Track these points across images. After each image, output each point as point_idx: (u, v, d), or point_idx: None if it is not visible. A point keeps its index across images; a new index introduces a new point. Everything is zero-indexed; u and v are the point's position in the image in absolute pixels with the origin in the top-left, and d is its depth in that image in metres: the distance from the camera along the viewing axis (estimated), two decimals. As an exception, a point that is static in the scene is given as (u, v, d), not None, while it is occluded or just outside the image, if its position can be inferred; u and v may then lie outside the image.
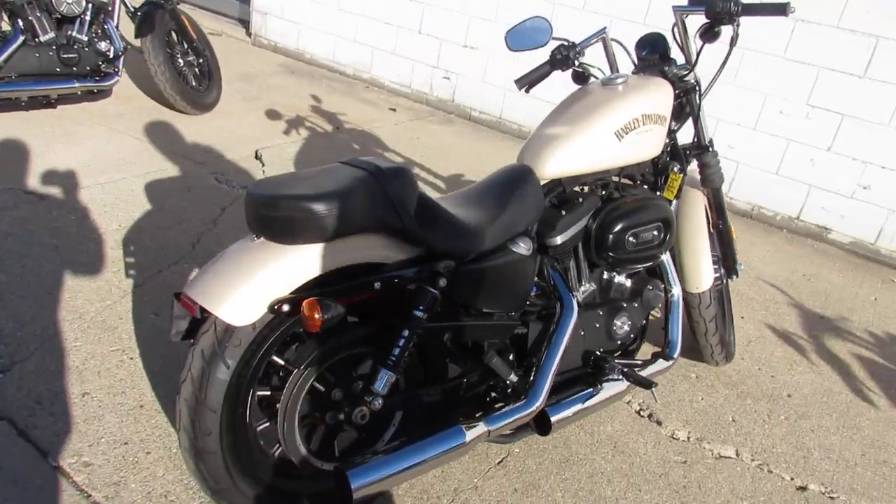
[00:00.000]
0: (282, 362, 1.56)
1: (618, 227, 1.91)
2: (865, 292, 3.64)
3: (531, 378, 1.81)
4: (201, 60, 4.46)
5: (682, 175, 2.17)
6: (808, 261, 3.93)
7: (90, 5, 3.88)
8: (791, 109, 4.13)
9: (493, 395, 1.85)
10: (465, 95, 5.47)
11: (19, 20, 3.67)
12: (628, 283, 2.14)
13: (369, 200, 1.46)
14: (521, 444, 2.09)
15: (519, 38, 2.15)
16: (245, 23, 6.69)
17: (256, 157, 3.94)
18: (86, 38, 3.89)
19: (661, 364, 2.12)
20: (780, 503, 2.05)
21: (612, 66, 2.25)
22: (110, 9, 4.02)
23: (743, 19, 1.97)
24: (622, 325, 2.07)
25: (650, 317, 2.23)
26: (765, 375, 2.69)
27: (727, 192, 4.40)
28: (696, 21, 2.04)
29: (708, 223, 2.37)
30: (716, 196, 2.40)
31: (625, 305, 2.09)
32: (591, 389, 1.96)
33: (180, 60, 4.33)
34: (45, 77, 3.78)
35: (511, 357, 1.86)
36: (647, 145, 2.01)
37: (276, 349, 1.54)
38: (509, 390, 1.84)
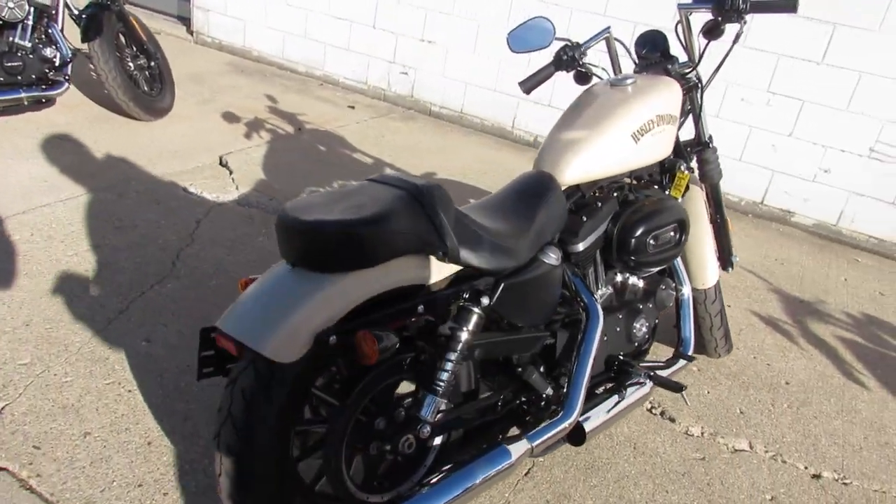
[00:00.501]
0: (325, 396, 1.48)
1: (640, 231, 1.89)
2: (835, 273, 3.77)
3: (564, 389, 1.78)
4: (152, 63, 4.24)
5: (688, 173, 2.17)
6: (776, 245, 4.03)
7: (32, 9, 3.62)
8: (753, 97, 4.23)
9: (527, 409, 1.81)
10: (425, 90, 5.38)
11: (-45, 27, 3.40)
12: (641, 284, 2.13)
13: (411, 222, 1.39)
14: (544, 452, 2.07)
15: (521, 40, 2.10)
16: (185, 20, 6.42)
17: (221, 163, 3.78)
18: (29, 45, 3.63)
19: (680, 363, 2.12)
20: (799, 493, 2.09)
21: (615, 65, 2.22)
22: (54, 12, 3.76)
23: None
24: (640, 328, 2.06)
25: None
26: (761, 364, 2.74)
27: (693, 180, 4.48)
28: (696, 18, 2.04)
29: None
30: (714, 191, 2.42)
31: (641, 307, 2.08)
32: (616, 396, 1.94)
33: (130, 64, 4.10)
34: (-12, 87, 3.52)
35: (542, 369, 1.82)
36: (660, 146, 2.00)
37: (315, 382, 1.45)
38: (542, 403, 1.80)
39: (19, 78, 3.60)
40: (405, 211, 1.39)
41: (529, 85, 2.13)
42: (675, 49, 2.20)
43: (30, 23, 3.63)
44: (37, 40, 3.70)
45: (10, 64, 3.53)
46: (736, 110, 4.30)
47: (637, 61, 2.22)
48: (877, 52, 3.85)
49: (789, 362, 2.80)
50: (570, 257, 1.89)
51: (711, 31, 2.00)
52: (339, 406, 1.43)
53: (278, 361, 1.31)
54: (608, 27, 2.15)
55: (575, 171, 1.83)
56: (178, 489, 1.75)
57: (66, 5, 3.85)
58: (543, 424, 1.69)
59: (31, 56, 3.64)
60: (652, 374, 1.94)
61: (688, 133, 2.30)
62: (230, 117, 4.52)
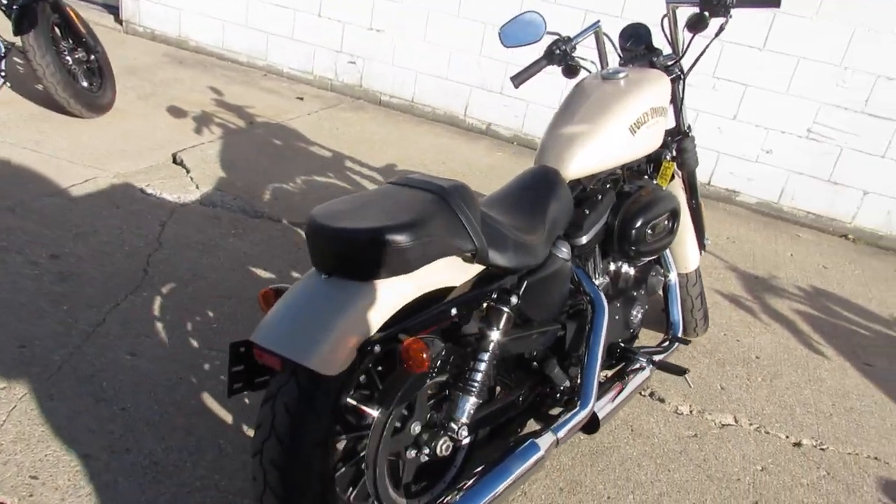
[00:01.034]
0: (357, 405, 1.46)
1: (640, 222, 1.94)
2: (782, 249, 3.97)
3: (579, 380, 1.81)
4: (92, 57, 4.02)
5: (673, 163, 2.24)
6: (726, 224, 4.21)
7: (-42, 0, 3.36)
8: (699, 82, 4.38)
9: (545, 402, 1.84)
10: (374, 80, 5.32)
11: None
12: (632, 271, 2.19)
13: (445, 224, 1.38)
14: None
15: (513, 34, 2.11)
16: (113, 9, 6.09)
17: (176, 161, 3.63)
18: (-43, 39, 3.37)
19: (675, 346, 2.19)
20: (785, 462, 2.21)
21: (603, 59, 2.26)
22: (-18, 3, 3.50)
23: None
24: (637, 314, 2.13)
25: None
26: (732, 341, 2.87)
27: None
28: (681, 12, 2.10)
29: None
30: (691, 177, 2.50)
31: (635, 294, 2.14)
32: (618, 382, 2.00)
33: (68, 58, 3.87)
34: (-87, 86, 3.26)
35: (555, 362, 1.85)
36: (654, 137, 2.05)
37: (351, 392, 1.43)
38: (558, 395, 1.84)
39: (-52, 76, 3.34)
40: (438, 214, 1.38)
41: (522, 79, 2.14)
42: (659, 41, 2.26)
43: (-44, 16, 3.37)
44: (-35, 35, 3.44)
45: (-62, 61, 3.27)
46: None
47: (622, 54, 2.26)
48: (813, 37, 4.05)
49: (756, 337, 2.94)
50: (574, 250, 1.92)
51: (696, 25, 2.06)
52: (380, 414, 1.42)
53: (324, 374, 1.28)
54: (598, 21, 2.18)
55: (578, 165, 1.86)
56: (194, 508, 1.70)
57: (-5, -4, 3.59)
58: (566, 416, 1.72)
59: (-41, 52, 3.38)
60: (654, 359, 2.00)
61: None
62: (176, 112, 4.34)
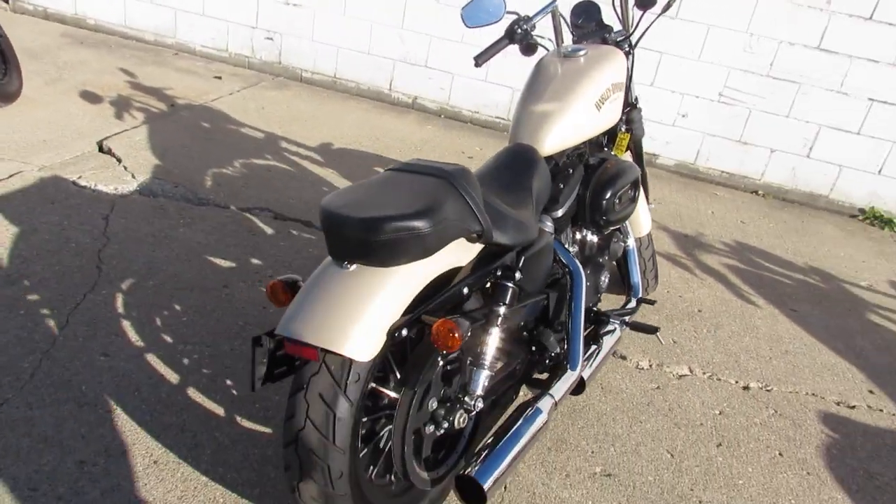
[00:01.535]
0: (380, 388, 1.50)
1: (609, 193, 2.06)
2: (703, 207, 4.25)
3: (566, 345, 1.92)
4: (-6, 41, 3.72)
5: (628, 133, 2.37)
6: (650, 186, 4.44)
7: None
8: (618, 51, 4.55)
9: (535, 369, 1.94)
10: (294, 56, 5.20)
11: None
12: (596, 239, 2.32)
13: (456, 208, 1.43)
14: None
15: (474, 14, 2.15)
16: (-3, -15, 5.62)
17: (103, 150, 3.45)
18: None
19: (637, 307, 2.34)
20: (738, 405, 2.43)
21: (559, 36, 2.34)
22: None
23: None
24: (604, 280, 2.25)
25: None
26: (675, 297, 3.08)
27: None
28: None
29: None
30: (637, 146, 2.64)
31: (601, 261, 2.27)
32: (594, 345, 2.12)
33: (-32, 43, 3.58)
34: None
35: (546, 329, 1.94)
36: (615, 112, 2.16)
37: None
38: (546, 361, 1.94)
39: None
40: (449, 198, 1.42)
41: (484, 59, 2.19)
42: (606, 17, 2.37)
43: None
44: None
45: None
46: (603, 64, 4.61)
47: (573, 31, 2.35)
48: (721, 6, 4.30)
49: (694, 292, 3.17)
50: (552, 222, 2.01)
51: (645, 2, 2.18)
52: (404, 393, 1.47)
53: (358, 360, 1.32)
54: (554, 0, 2.26)
55: (552, 141, 1.94)
56: (207, 502, 1.69)
57: None
58: (559, 379, 1.83)
59: None
60: (626, 320, 2.14)
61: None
62: (91, 97, 4.10)
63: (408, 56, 4.98)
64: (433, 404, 1.56)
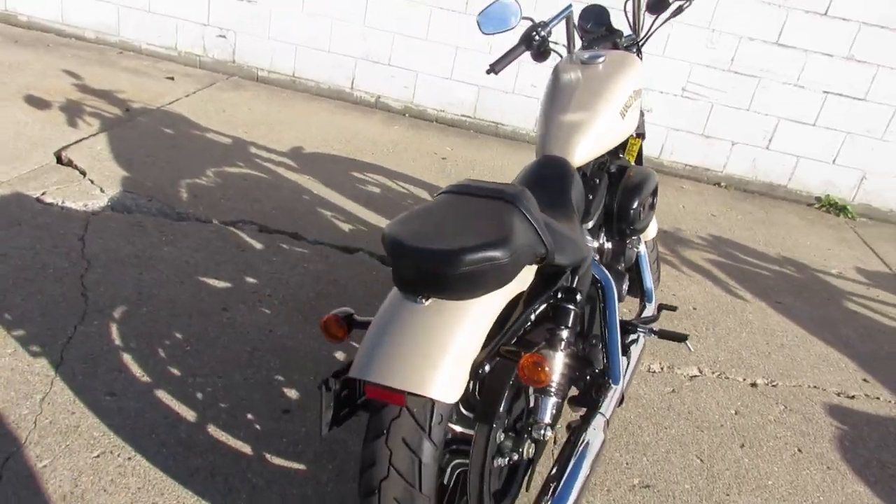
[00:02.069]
0: (451, 425, 1.43)
1: (637, 201, 2.04)
2: (674, 201, 4.32)
3: (604, 359, 1.89)
4: (-72, 44, 3.39)
5: (640, 139, 2.35)
6: (621, 182, 4.49)
7: None
8: (584, 47, 4.56)
9: (583, 386, 1.89)
10: (249, 55, 4.98)
11: None
12: (613, 247, 2.29)
13: (525, 232, 1.37)
14: (558, 418, 2.19)
15: (490, 21, 2.08)
16: (-89, -21, 5.15)
17: (62, 161, 3.21)
18: None
19: (661, 314, 2.34)
20: (751, 403, 2.46)
21: (572, 42, 2.29)
22: None
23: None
24: (625, 287, 2.23)
25: None
26: (669, 295, 3.11)
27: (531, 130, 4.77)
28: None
29: None
30: (640, 149, 2.64)
31: (619, 268, 2.25)
32: (624, 356, 2.10)
33: None
34: None
35: (594, 345, 1.91)
36: (635, 119, 2.14)
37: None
38: (588, 377, 1.90)
39: None
40: (518, 223, 1.36)
41: (501, 66, 2.11)
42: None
43: None
44: None
45: None
46: (569, 60, 4.61)
47: (582, 36, 2.31)
48: (686, 2, 4.36)
49: (686, 289, 3.21)
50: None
51: (657, 7, 2.16)
52: (480, 429, 1.40)
53: (445, 402, 1.25)
54: (570, 6, 2.20)
55: (583, 151, 1.90)
56: (251, 553, 1.59)
57: None
58: (606, 396, 1.79)
59: None
60: (653, 328, 2.12)
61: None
62: (37, 103, 3.81)
63: (370, 54, 4.85)
64: (500, 436, 1.50)
